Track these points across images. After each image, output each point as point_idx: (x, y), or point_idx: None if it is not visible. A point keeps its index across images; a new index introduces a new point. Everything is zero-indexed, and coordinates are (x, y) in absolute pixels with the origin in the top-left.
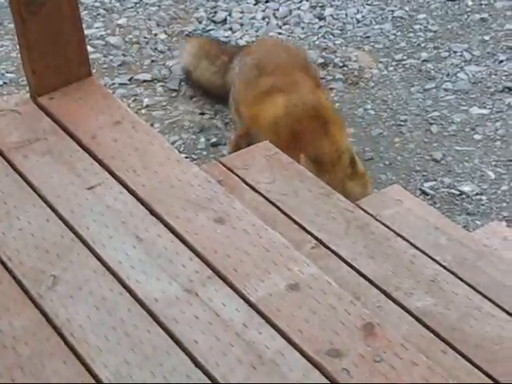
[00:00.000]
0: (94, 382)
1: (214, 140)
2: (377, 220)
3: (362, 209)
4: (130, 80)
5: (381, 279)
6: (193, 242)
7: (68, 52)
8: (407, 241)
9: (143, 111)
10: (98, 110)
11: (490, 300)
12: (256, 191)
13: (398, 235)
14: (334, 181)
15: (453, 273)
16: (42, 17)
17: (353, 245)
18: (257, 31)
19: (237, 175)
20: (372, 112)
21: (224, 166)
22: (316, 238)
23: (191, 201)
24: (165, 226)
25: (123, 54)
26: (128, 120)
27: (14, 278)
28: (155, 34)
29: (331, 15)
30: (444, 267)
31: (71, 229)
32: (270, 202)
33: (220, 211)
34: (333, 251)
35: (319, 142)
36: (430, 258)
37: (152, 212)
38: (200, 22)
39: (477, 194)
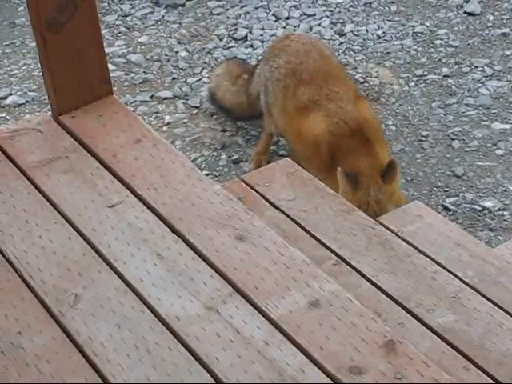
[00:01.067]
0: None
1: (235, 157)
2: (398, 236)
3: (384, 225)
4: (151, 97)
5: (402, 296)
6: (214, 260)
7: (89, 71)
8: (429, 257)
9: (164, 128)
10: (119, 129)
11: None
12: (277, 208)
13: (420, 251)
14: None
15: (475, 289)
16: (63, 36)
17: (374, 261)
18: None
19: (258, 192)
20: (393, 128)
21: (245, 183)
22: (337, 255)
23: (212, 218)
24: (186, 244)
25: (144, 72)
26: (149, 138)
27: (36, 296)
28: (176, 52)
29: (352, 31)
30: (466, 283)
31: (93, 247)
32: (291, 218)
33: (241, 229)
34: (354, 268)
35: (360, 163)
36: (452, 274)
37: (173, 230)
38: (221, 40)
39: (499, 209)
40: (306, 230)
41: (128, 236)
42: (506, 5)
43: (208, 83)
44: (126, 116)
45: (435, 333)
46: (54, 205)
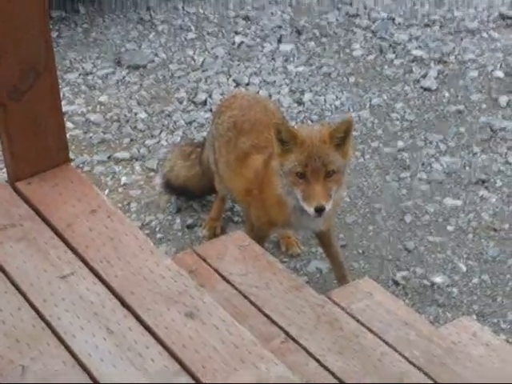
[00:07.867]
0: None
1: (189, 221)
2: (348, 314)
3: (333, 301)
4: (108, 158)
5: (348, 376)
6: (163, 336)
7: (47, 138)
8: (377, 336)
9: (120, 190)
10: (75, 198)
11: None
12: (229, 283)
13: (368, 330)
14: None
15: (421, 369)
16: (23, 104)
17: (322, 340)
18: None
19: (210, 265)
20: (347, 199)
21: (198, 255)
22: (286, 333)
23: (163, 294)
24: (136, 319)
25: (103, 132)
26: (104, 209)
27: None
28: (135, 113)
29: (310, 100)
30: (412, 364)
31: (43, 318)
32: (243, 294)
33: (191, 305)
34: (302, 346)
35: None
36: (399, 354)
37: (124, 304)
38: (180, 103)
39: (448, 285)
40: (256, 306)
41: (78, 308)
42: (462, 82)
43: (161, 170)
44: (82, 185)
45: None
46: (5, 273)
